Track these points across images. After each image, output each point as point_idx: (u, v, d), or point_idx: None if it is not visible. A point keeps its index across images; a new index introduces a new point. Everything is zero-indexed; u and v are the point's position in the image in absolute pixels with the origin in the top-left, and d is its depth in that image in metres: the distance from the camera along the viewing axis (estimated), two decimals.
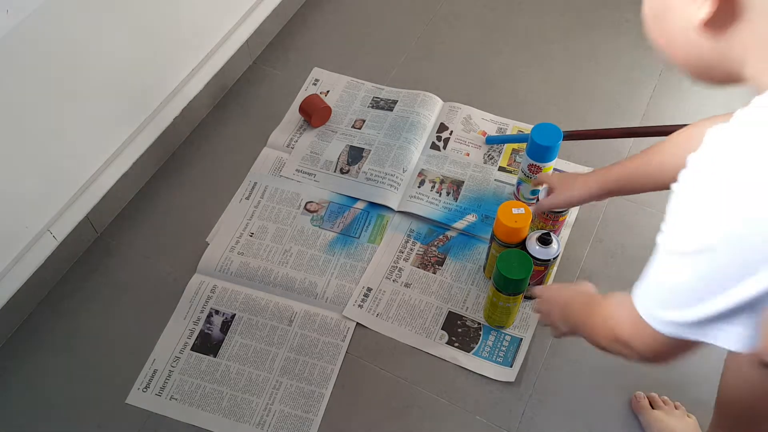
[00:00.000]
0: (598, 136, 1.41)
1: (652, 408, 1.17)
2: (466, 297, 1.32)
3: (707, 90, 1.58)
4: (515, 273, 1.14)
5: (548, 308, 0.98)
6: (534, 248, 1.19)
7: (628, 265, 1.36)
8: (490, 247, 1.29)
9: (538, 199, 1.28)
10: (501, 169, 1.50)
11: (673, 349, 0.65)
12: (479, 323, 1.29)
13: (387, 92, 1.65)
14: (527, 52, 1.73)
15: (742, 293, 0.52)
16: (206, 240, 1.42)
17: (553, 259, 1.21)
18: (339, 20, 1.82)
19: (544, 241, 1.19)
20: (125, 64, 1.36)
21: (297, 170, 1.51)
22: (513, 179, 1.47)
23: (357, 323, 1.30)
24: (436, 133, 1.57)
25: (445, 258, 1.37)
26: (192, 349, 1.28)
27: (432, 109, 1.60)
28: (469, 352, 1.26)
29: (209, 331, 1.30)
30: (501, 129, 1.57)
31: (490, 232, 1.30)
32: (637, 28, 1.76)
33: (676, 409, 1.16)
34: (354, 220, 1.43)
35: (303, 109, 1.57)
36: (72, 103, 1.28)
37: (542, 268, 1.21)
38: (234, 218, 1.45)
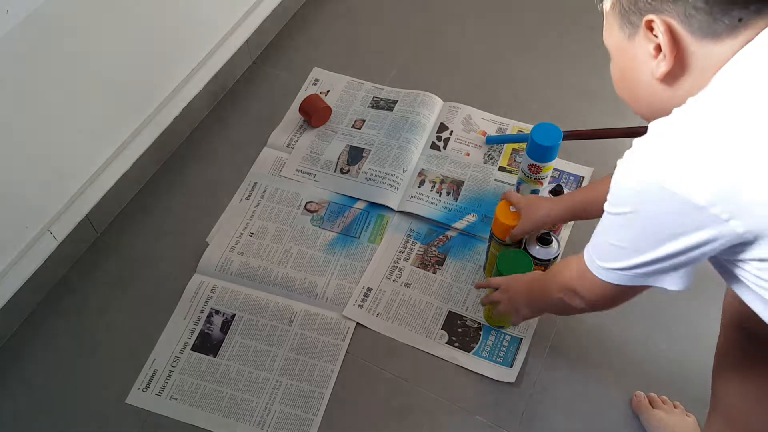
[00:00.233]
0: (598, 136, 1.41)
1: (652, 407, 1.17)
2: (466, 297, 1.32)
3: None
4: (515, 273, 1.14)
5: (509, 296, 1.10)
6: (534, 248, 1.20)
7: None
8: (489, 247, 1.29)
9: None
10: (501, 169, 1.50)
11: (615, 294, 0.78)
12: (479, 323, 1.29)
13: (387, 92, 1.65)
14: (527, 52, 1.73)
15: (668, 250, 0.65)
16: (206, 240, 1.42)
17: (553, 258, 1.21)
18: (339, 20, 1.82)
19: (544, 241, 1.19)
20: (125, 64, 1.36)
21: (297, 170, 1.51)
22: (513, 179, 1.47)
23: (357, 323, 1.30)
24: (436, 133, 1.57)
25: (445, 258, 1.37)
26: (192, 349, 1.28)
27: (432, 109, 1.60)
28: (469, 352, 1.26)
29: (209, 331, 1.30)
30: (501, 129, 1.57)
31: (489, 232, 1.30)
32: None
33: (675, 408, 1.17)
34: (354, 220, 1.43)
35: (303, 109, 1.57)
36: (72, 102, 1.28)
37: (542, 268, 1.21)
38: (234, 218, 1.45)
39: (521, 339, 1.27)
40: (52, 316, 1.33)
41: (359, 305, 1.32)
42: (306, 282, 1.35)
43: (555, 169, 1.48)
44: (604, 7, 0.73)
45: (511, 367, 1.23)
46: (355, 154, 1.52)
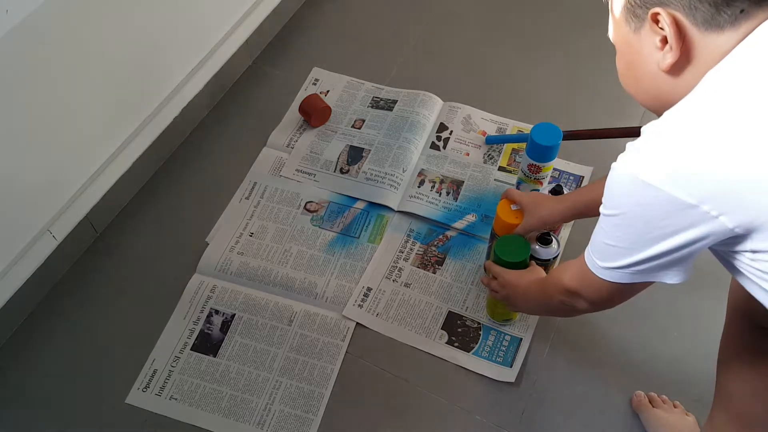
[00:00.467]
0: (598, 136, 1.41)
1: (652, 406, 1.17)
2: (466, 297, 1.32)
3: None
4: (513, 256, 1.13)
5: (507, 294, 1.12)
6: (534, 248, 1.20)
7: None
8: (490, 247, 1.29)
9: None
10: (501, 168, 1.50)
11: (616, 292, 0.80)
12: (479, 323, 1.29)
13: (387, 92, 1.65)
14: (527, 52, 1.73)
15: (663, 248, 0.67)
16: (206, 240, 1.42)
17: (553, 259, 1.21)
18: (339, 20, 1.82)
19: (545, 240, 1.19)
20: (125, 64, 1.36)
21: (297, 170, 1.51)
22: (513, 179, 1.47)
23: (357, 323, 1.30)
24: (436, 132, 1.57)
25: (444, 258, 1.37)
26: (192, 348, 1.28)
27: (432, 108, 1.60)
28: (468, 352, 1.26)
29: (209, 331, 1.30)
30: (501, 129, 1.57)
31: (490, 231, 1.30)
32: None
33: (675, 407, 1.17)
34: (354, 220, 1.43)
35: (303, 109, 1.57)
36: (71, 102, 1.28)
37: (542, 267, 1.21)
38: (234, 218, 1.45)
39: (521, 339, 1.27)
40: (52, 316, 1.33)
41: (359, 305, 1.32)
42: (306, 282, 1.35)
43: (555, 169, 1.48)
44: (609, 0, 0.73)
45: (511, 367, 1.23)
46: (355, 154, 1.52)
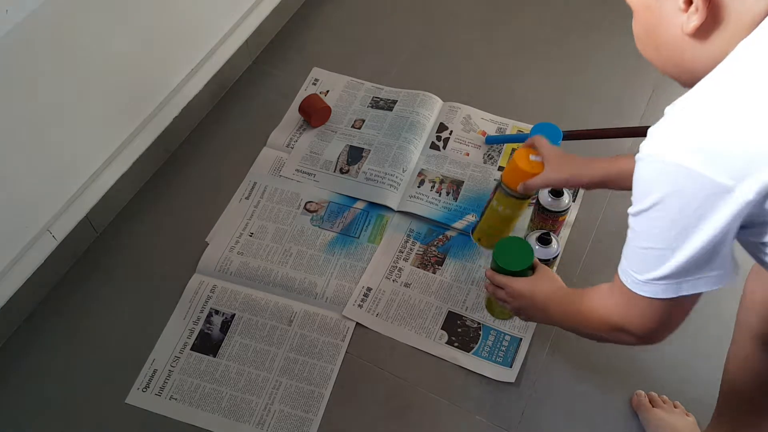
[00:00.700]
0: (598, 136, 1.41)
1: (652, 406, 1.17)
2: (466, 297, 1.32)
3: None
4: (516, 263, 1.01)
5: (519, 304, 1.00)
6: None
7: None
8: (489, 201, 1.16)
9: (537, 200, 1.28)
10: (501, 168, 1.50)
11: (665, 314, 0.71)
12: (479, 323, 1.29)
13: (387, 92, 1.65)
14: (527, 51, 1.73)
15: (702, 237, 0.61)
16: (206, 240, 1.42)
17: (553, 258, 1.21)
18: (339, 20, 1.82)
19: (544, 240, 1.19)
20: (125, 64, 1.36)
21: (297, 170, 1.51)
22: None
23: (357, 323, 1.30)
24: (436, 133, 1.57)
25: (444, 258, 1.37)
26: (192, 349, 1.28)
27: (432, 109, 1.60)
28: (468, 352, 1.26)
29: (209, 331, 1.30)
30: (501, 129, 1.57)
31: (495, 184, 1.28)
32: None
33: (675, 408, 1.17)
34: (354, 220, 1.43)
35: (303, 109, 1.57)
36: (71, 102, 1.28)
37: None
38: (234, 218, 1.45)
39: (521, 339, 1.27)
40: (52, 316, 1.33)
41: (359, 305, 1.32)
42: (306, 282, 1.35)
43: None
44: None
45: (511, 367, 1.23)
46: (355, 154, 1.52)
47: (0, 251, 1.25)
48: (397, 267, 1.36)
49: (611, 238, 1.39)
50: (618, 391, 1.22)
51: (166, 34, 1.45)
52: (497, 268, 1.04)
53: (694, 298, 0.68)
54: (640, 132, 1.34)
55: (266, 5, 1.71)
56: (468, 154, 1.52)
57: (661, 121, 0.62)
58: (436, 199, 1.44)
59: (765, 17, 0.58)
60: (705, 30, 0.61)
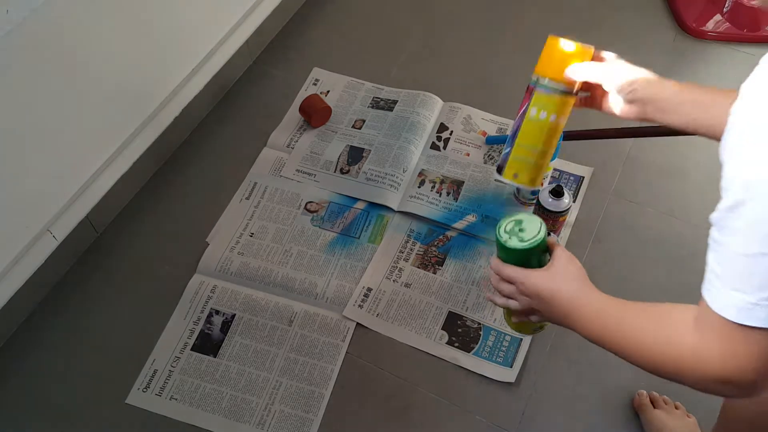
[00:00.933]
0: (598, 136, 1.41)
1: (654, 407, 1.17)
2: (466, 297, 1.32)
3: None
4: (526, 238, 0.79)
5: (536, 306, 0.78)
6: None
7: (628, 265, 1.36)
8: (522, 114, 0.92)
9: (538, 200, 1.29)
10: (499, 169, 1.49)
11: None
12: (479, 323, 1.29)
13: (387, 92, 1.65)
14: (527, 52, 1.72)
15: None
16: (206, 240, 1.42)
17: (564, 211, 1.23)
18: (339, 20, 1.82)
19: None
20: (125, 64, 1.36)
21: (297, 170, 1.51)
22: None
23: (357, 323, 1.30)
24: (436, 133, 1.57)
25: (445, 258, 1.37)
26: (192, 349, 1.28)
27: (432, 109, 1.60)
28: (469, 352, 1.26)
29: (209, 331, 1.30)
30: (501, 129, 1.57)
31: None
32: (637, 29, 1.77)
33: (676, 409, 1.17)
34: (354, 221, 1.43)
35: (303, 109, 1.57)
36: (72, 102, 1.28)
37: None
38: (234, 218, 1.45)
39: (521, 339, 1.26)
40: (53, 316, 1.33)
41: (359, 305, 1.32)
42: (306, 282, 1.35)
43: (555, 169, 1.48)
44: None
45: (511, 367, 1.23)
46: (355, 154, 1.52)
47: (0, 251, 1.25)
48: (397, 267, 1.36)
49: (611, 238, 1.39)
50: (618, 391, 1.22)
51: (167, 34, 1.45)
52: (505, 252, 0.81)
53: None
54: (640, 132, 1.34)
55: (267, 5, 1.71)
56: (468, 155, 1.52)
57: (753, 75, 0.48)
58: (436, 200, 1.44)
59: None
60: None
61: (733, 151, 0.50)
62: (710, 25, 1.74)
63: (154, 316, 1.32)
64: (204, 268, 1.37)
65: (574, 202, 1.40)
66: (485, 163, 1.51)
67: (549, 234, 0.82)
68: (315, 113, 1.55)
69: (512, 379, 1.22)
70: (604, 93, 0.83)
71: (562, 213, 1.28)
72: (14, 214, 1.25)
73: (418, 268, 1.36)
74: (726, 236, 0.51)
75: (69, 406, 1.23)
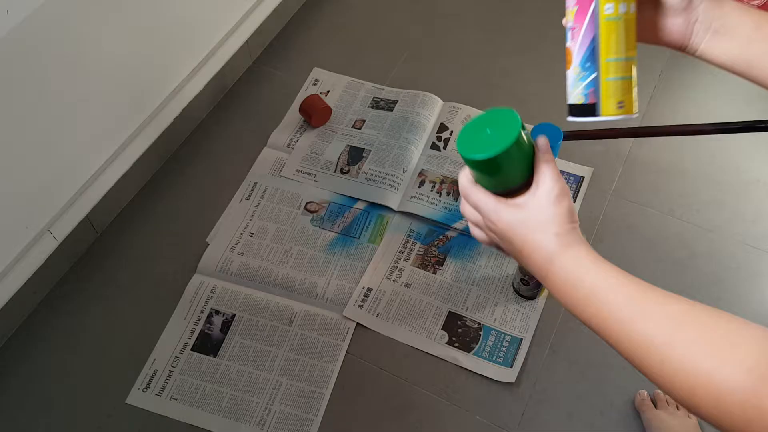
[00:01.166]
0: (598, 136, 1.41)
1: (655, 407, 1.17)
2: (467, 297, 1.32)
3: (708, 89, 1.58)
4: (481, 148, 0.57)
5: (500, 244, 0.62)
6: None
7: (628, 265, 1.35)
8: (597, 3, 0.67)
9: None
10: None
11: None
12: (479, 323, 1.29)
13: (387, 92, 1.65)
14: (527, 52, 1.73)
15: None
16: (206, 240, 1.42)
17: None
18: (339, 20, 1.82)
19: None
20: (125, 64, 1.36)
21: (297, 170, 1.51)
22: None
23: (357, 323, 1.30)
24: (437, 133, 1.57)
25: (445, 258, 1.37)
26: (192, 349, 1.28)
27: (432, 109, 1.60)
28: (469, 352, 1.26)
29: (209, 331, 1.30)
30: None
31: None
32: None
33: (677, 409, 1.16)
34: (354, 221, 1.43)
35: (303, 109, 1.57)
36: (72, 103, 1.28)
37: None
38: (234, 218, 1.45)
39: (521, 339, 1.27)
40: (53, 316, 1.33)
41: (359, 305, 1.32)
42: (306, 282, 1.35)
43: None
44: None
45: (511, 367, 1.23)
46: (355, 155, 1.52)
47: (0, 251, 1.25)
48: (397, 267, 1.36)
49: (611, 238, 1.39)
50: (619, 391, 1.22)
51: (167, 34, 1.45)
52: (471, 169, 0.61)
53: None
54: (640, 132, 1.35)
55: (266, 5, 1.71)
56: None
57: None
58: (436, 200, 1.44)
59: None
60: None
61: None
62: None
63: (154, 317, 1.32)
64: (204, 268, 1.37)
65: (574, 202, 1.40)
66: None
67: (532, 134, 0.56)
68: (315, 113, 1.55)
69: (512, 379, 1.22)
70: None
71: None
72: (14, 214, 1.25)
73: (418, 268, 1.36)
74: None
75: (69, 406, 1.23)
